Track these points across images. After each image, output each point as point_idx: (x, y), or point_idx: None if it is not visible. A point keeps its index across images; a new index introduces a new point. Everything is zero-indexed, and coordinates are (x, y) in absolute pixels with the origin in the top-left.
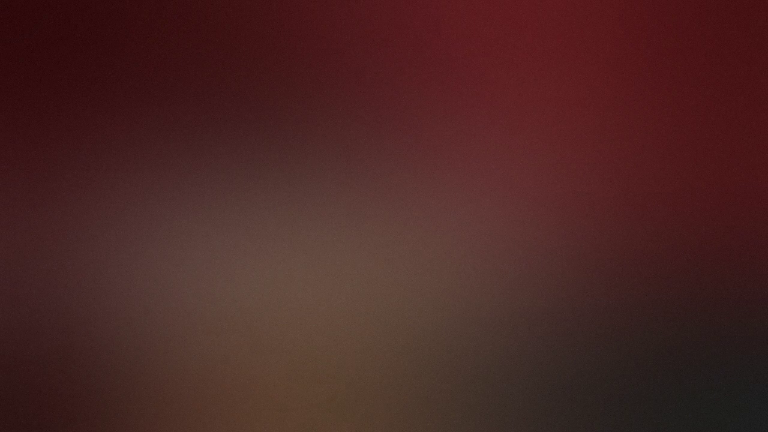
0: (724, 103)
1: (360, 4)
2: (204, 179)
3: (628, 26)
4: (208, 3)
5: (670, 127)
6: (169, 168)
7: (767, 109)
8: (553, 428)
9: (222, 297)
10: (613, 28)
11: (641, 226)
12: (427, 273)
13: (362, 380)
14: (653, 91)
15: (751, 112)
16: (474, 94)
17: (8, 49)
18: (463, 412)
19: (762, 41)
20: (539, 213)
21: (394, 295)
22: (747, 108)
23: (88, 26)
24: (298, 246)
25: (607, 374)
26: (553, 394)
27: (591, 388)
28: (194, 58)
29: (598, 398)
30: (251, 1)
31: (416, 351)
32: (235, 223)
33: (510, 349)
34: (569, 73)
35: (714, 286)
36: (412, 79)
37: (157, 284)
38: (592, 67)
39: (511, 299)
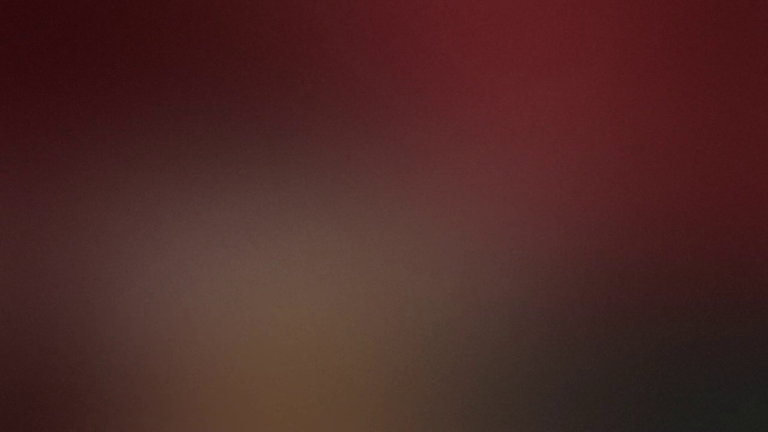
0: (724, 104)
1: (358, 4)
2: (204, 179)
3: (627, 27)
4: (207, 3)
5: (669, 127)
6: (168, 168)
7: (767, 109)
8: (553, 428)
9: (221, 297)
10: (612, 29)
11: (640, 226)
12: (426, 273)
13: (362, 380)
14: (652, 91)
15: (751, 112)
16: (472, 95)
17: (8, 49)
18: (463, 412)
19: (762, 41)
20: (538, 214)
21: (393, 295)
22: (747, 108)
23: (88, 26)
24: (297, 246)
25: (608, 374)
26: (553, 393)
27: (591, 387)
28: (193, 59)
29: (598, 397)
30: (251, 2)
31: (415, 350)
32: (234, 224)
33: (509, 350)
34: (568, 73)
35: (714, 285)
36: (410, 80)
37: (156, 284)
38: (591, 68)
39: (509, 300)
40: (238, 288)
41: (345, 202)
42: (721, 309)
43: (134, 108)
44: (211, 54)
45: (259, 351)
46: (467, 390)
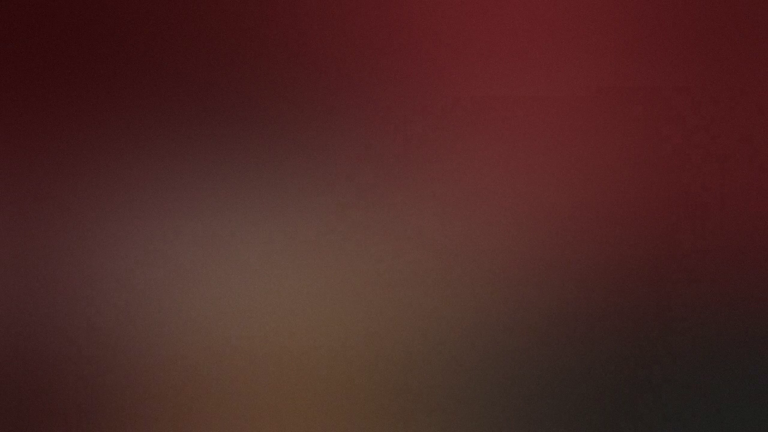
0: (722, 109)
1: (351, 5)
2: (205, 180)
3: (623, 26)
4: (206, 3)
5: (666, 131)
6: (165, 169)
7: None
8: (552, 429)
9: (222, 297)
10: (607, 28)
11: (635, 229)
12: (420, 276)
13: (357, 381)
14: (648, 93)
15: (752, 111)
16: (465, 97)
17: (9, 49)
18: (456, 415)
19: (763, 40)
20: (532, 216)
21: (387, 296)
22: (748, 108)
23: (91, 26)
24: (294, 247)
25: (608, 376)
26: (552, 395)
27: (591, 389)
28: (191, 61)
29: (599, 401)
30: (248, 3)
31: (415, 352)
32: (230, 225)
33: (509, 351)
34: (563, 74)
35: (713, 290)
36: (403, 83)
37: (156, 284)
38: (585, 69)
39: (510, 300)
40: (239, 288)
41: (341, 204)
42: (720, 313)
43: (133, 109)
44: (208, 56)
45: (259, 352)
46: (467, 391)
